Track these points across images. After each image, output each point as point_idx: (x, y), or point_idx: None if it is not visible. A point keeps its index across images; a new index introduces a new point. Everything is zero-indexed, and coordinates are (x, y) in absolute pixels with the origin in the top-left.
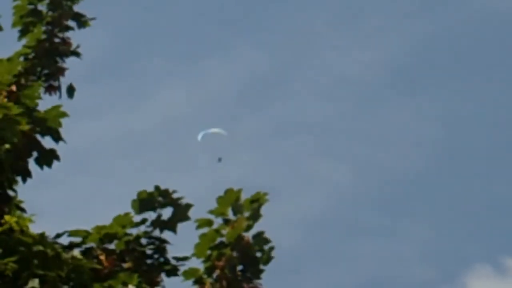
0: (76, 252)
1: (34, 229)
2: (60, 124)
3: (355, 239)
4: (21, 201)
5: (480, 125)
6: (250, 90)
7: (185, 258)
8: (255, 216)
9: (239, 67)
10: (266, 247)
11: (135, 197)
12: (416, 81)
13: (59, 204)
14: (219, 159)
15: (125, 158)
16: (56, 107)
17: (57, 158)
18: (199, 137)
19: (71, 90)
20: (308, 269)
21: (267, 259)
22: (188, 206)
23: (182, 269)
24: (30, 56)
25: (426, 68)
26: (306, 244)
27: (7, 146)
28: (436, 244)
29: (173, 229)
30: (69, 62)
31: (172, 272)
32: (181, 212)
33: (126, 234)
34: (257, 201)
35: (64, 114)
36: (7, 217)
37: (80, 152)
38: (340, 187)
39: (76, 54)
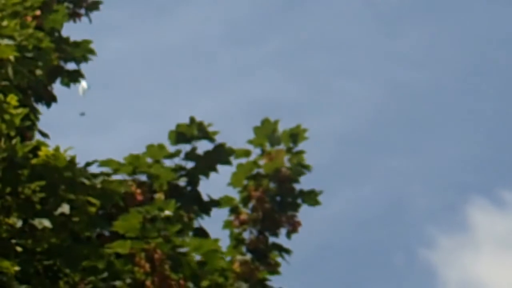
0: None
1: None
2: (87, 60)
3: (380, 156)
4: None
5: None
6: (274, 10)
7: (218, 202)
8: (295, 150)
9: None
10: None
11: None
12: (442, 3)
13: (85, 121)
14: (82, 113)
15: (151, 76)
16: (86, 43)
17: (82, 76)
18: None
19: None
20: (334, 187)
21: (314, 202)
22: (231, 150)
23: (213, 211)
24: None
25: None
26: (332, 162)
27: (38, 72)
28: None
29: (212, 168)
30: None
31: (204, 210)
32: (223, 154)
33: (161, 168)
34: (296, 135)
35: (92, 51)
36: (44, 149)
37: (105, 69)
38: (366, 105)
39: None
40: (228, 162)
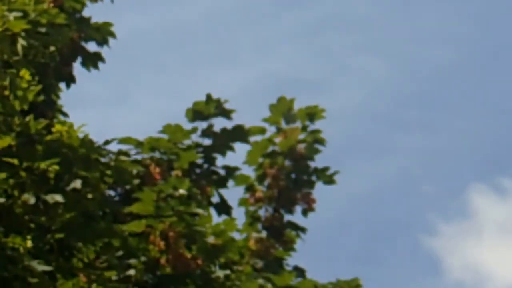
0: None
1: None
2: (107, 42)
3: (391, 132)
4: (62, 106)
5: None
6: None
7: (235, 169)
8: (311, 129)
9: None
10: (328, 172)
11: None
12: None
13: (105, 97)
14: None
15: (169, 51)
16: (106, 25)
17: (102, 60)
18: None
19: None
20: (345, 161)
21: (329, 181)
22: (249, 131)
23: (231, 179)
24: None
25: None
26: (344, 137)
27: (52, 49)
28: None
29: (229, 147)
30: None
31: (221, 183)
32: (241, 134)
33: (179, 148)
34: (313, 114)
35: (113, 34)
36: (57, 126)
37: (124, 45)
38: (379, 81)
39: None
40: (246, 141)
